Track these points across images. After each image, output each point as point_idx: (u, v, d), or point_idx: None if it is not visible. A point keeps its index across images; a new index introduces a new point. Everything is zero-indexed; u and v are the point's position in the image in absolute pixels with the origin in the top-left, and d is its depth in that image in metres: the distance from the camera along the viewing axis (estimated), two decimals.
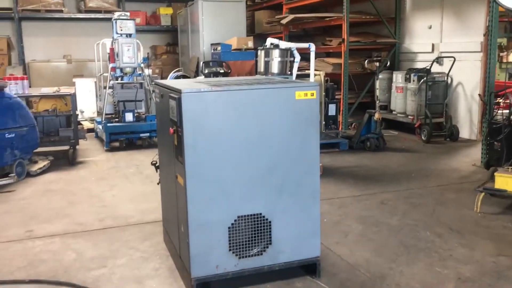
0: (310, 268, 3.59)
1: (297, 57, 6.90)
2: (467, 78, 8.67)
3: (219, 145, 3.20)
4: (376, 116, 7.87)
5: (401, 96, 9.25)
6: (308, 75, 7.37)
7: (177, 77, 9.60)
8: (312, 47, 7.08)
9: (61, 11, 12.49)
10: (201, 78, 8.45)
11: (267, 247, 3.40)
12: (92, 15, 12.89)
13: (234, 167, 3.26)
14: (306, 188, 3.45)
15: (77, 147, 7.62)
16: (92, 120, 10.21)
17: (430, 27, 9.42)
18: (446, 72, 8.75)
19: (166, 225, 4.15)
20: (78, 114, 7.64)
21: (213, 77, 8.08)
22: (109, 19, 13.62)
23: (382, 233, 4.42)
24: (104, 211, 5.20)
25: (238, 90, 3.23)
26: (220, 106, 3.17)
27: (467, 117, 8.74)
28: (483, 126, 6.76)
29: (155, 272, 3.74)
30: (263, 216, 3.37)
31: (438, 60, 8.79)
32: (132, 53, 8.36)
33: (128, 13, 8.83)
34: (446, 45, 9.05)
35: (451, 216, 4.82)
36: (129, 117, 8.51)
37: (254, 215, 3.35)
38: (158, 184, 4.68)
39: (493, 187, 5.03)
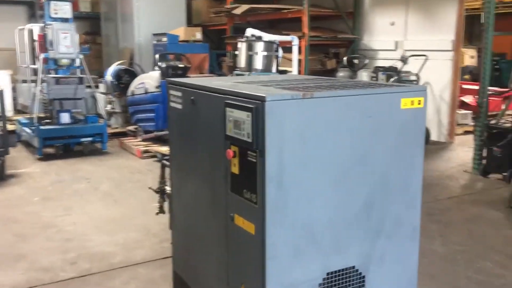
0: None
1: (280, 52, 6.04)
2: (435, 78, 8.28)
3: (308, 177, 2.24)
4: None
5: None
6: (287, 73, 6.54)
7: (119, 71, 8.28)
8: (296, 40, 6.27)
9: None
10: (156, 73, 7.25)
11: None
12: None
13: (326, 206, 2.31)
14: (406, 227, 2.59)
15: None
16: (11, 121, 8.54)
17: (392, 24, 8.95)
18: (411, 70, 8.32)
19: (187, 276, 3.07)
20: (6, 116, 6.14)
21: (171, 72, 6.93)
22: (18, 2, 11.98)
23: (438, 266, 3.69)
24: (71, 247, 3.96)
25: (336, 97, 2.27)
26: (314, 120, 2.21)
27: (435, 119, 8.39)
28: (475, 130, 6.33)
29: None
30: (357, 270, 2.46)
31: (404, 58, 8.33)
32: (70, 41, 6.97)
33: None
34: (411, 43, 8.64)
35: (495, 239, 4.23)
36: (65, 118, 7.13)
37: (346, 269, 2.43)
38: (157, 214, 3.62)
39: None
